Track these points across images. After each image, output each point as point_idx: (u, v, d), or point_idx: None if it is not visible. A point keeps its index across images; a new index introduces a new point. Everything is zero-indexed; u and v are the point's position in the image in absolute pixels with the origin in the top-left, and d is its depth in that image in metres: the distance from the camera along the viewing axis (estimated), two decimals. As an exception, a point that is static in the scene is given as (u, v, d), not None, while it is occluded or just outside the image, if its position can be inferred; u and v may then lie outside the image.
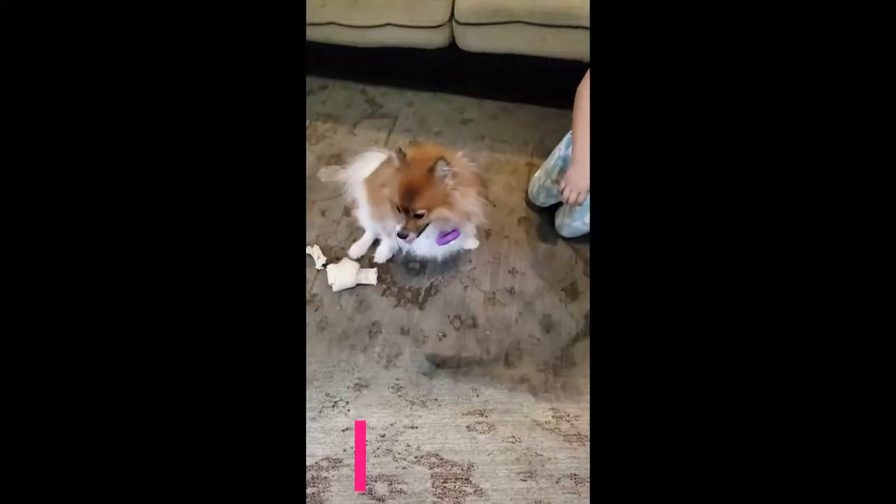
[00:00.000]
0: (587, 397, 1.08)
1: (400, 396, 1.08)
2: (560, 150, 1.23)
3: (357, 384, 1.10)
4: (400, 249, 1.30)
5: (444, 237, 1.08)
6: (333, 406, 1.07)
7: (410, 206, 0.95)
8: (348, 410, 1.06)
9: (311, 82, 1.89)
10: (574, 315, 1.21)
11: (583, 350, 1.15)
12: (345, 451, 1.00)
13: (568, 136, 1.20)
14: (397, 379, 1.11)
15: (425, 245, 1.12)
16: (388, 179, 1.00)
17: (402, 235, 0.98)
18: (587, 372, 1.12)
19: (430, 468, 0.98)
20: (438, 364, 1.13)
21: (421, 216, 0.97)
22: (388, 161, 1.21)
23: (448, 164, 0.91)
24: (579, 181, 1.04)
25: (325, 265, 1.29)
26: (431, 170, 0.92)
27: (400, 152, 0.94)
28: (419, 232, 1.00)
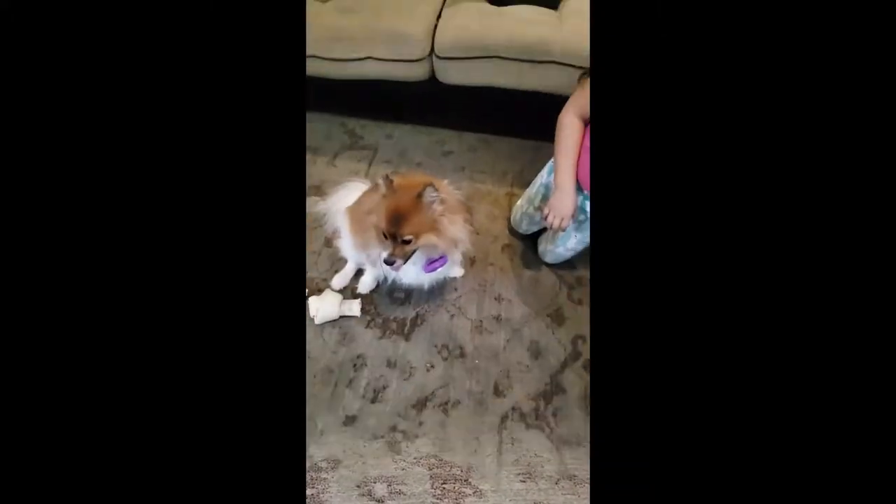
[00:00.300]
0: (579, 424, 1.06)
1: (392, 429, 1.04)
2: (542, 177, 1.27)
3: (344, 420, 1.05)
4: (385, 279, 1.28)
5: (430, 264, 1.07)
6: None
7: (398, 231, 0.94)
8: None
9: (290, 114, 1.89)
10: (561, 340, 1.21)
11: (572, 377, 1.15)
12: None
13: (549, 163, 1.24)
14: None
15: (412, 273, 1.11)
16: (375, 206, 1.00)
17: (389, 262, 0.97)
18: (578, 399, 1.11)
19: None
20: (427, 397, 1.09)
21: (408, 242, 0.96)
22: (372, 189, 1.21)
23: (436, 190, 0.92)
24: (562, 207, 1.07)
25: (306, 297, 1.25)
26: (419, 196, 0.92)
27: (387, 178, 0.94)
28: (406, 259, 0.99)
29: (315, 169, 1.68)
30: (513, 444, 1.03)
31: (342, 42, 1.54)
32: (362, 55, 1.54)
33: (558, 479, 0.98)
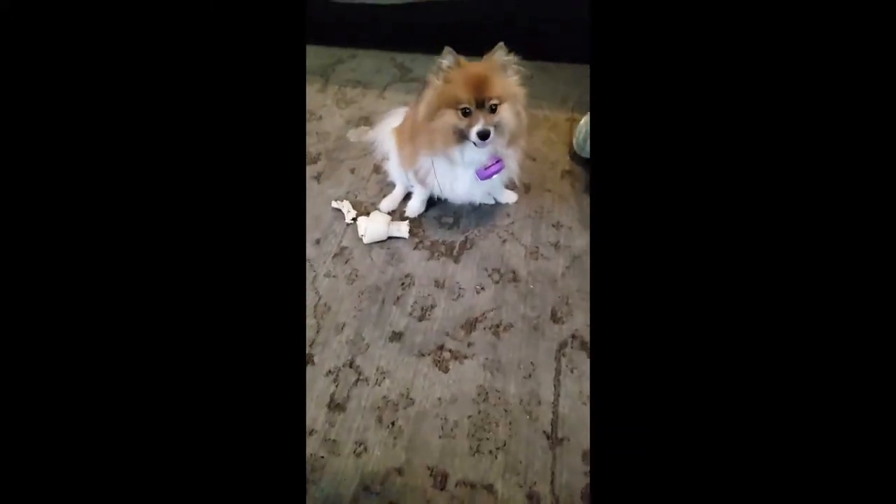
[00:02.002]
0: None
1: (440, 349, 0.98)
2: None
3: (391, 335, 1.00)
4: (428, 204, 1.21)
5: (487, 169, 1.00)
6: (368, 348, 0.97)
7: (485, 95, 0.89)
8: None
9: (340, 52, 1.85)
10: (628, 269, 1.08)
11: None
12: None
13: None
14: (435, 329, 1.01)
15: (465, 182, 1.03)
16: (444, 90, 0.92)
17: (483, 135, 0.90)
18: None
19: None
20: (477, 318, 1.02)
21: (495, 110, 0.91)
22: (414, 104, 1.13)
23: (508, 52, 0.89)
24: None
25: (354, 219, 1.22)
26: (493, 56, 0.89)
27: (451, 52, 0.88)
28: (496, 129, 0.92)
29: (365, 101, 1.63)
30: (572, 372, 0.93)
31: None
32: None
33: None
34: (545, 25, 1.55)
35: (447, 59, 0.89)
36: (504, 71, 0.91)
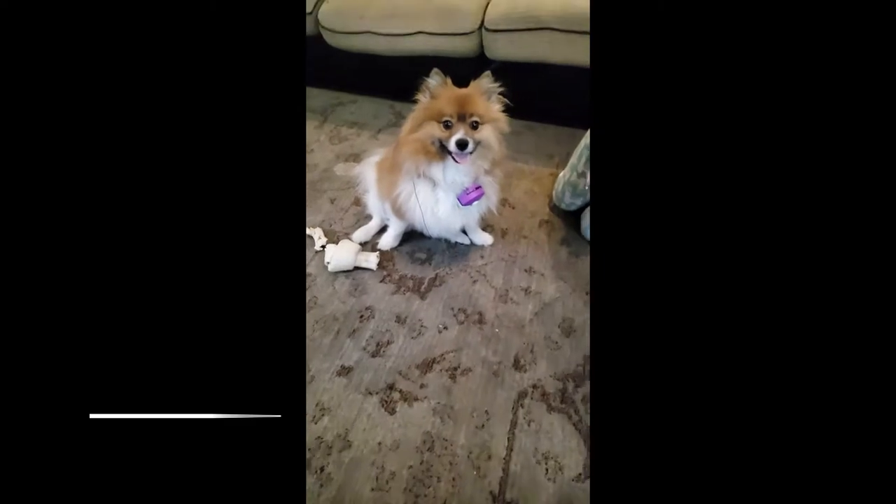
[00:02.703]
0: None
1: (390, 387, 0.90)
2: (587, 138, 1.14)
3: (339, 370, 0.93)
4: (404, 239, 1.19)
5: (467, 195, 1.01)
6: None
7: (467, 111, 0.93)
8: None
9: (342, 95, 1.94)
10: (600, 322, 1.03)
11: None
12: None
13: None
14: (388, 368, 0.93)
15: (447, 206, 1.03)
16: (429, 105, 0.96)
17: (462, 143, 0.91)
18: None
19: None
20: (435, 359, 0.95)
21: (476, 127, 0.94)
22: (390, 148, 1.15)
23: (493, 82, 0.94)
24: None
25: (323, 246, 1.19)
26: (478, 83, 0.94)
27: (438, 73, 0.94)
28: (475, 147, 0.94)
29: (358, 141, 1.67)
30: (529, 426, 0.85)
31: (397, 18, 1.56)
32: (414, 30, 1.55)
33: (579, 474, 0.78)
34: (535, 90, 1.63)
35: (434, 78, 0.94)
36: (488, 97, 0.97)
